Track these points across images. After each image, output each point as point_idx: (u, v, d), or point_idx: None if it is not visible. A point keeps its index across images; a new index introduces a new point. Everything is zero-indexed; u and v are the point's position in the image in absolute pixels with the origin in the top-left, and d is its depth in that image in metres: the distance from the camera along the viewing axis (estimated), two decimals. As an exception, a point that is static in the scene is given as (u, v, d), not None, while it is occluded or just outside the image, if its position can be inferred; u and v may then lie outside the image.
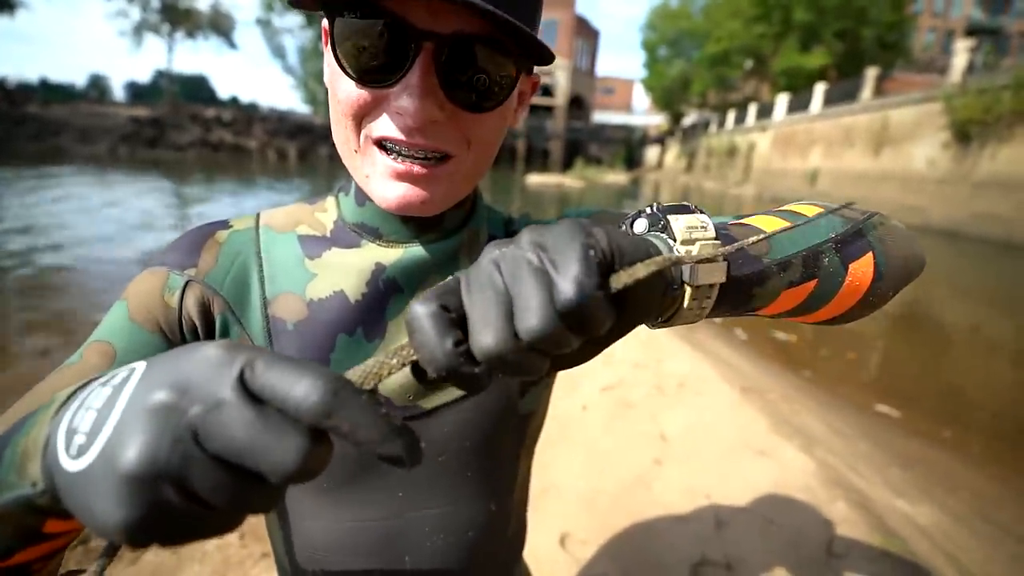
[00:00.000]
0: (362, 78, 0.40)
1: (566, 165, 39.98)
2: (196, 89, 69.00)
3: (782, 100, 27.37)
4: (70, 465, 0.21)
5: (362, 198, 0.50)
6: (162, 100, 40.86)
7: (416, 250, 0.50)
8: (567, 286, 0.23)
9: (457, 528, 0.55)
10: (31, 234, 7.30)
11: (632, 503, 2.06)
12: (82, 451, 0.21)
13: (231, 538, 1.79)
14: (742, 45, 34.31)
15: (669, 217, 0.34)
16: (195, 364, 0.21)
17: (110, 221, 8.79)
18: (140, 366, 0.23)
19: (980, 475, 2.79)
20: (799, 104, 25.80)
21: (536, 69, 0.49)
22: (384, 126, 0.41)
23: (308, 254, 0.50)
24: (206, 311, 0.48)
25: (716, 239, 0.33)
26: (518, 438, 0.59)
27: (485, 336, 0.23)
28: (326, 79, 0.45)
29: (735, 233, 0.37)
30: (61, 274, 5.57)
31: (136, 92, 67.18)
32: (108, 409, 0.21)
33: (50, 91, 45.79)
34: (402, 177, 0.42)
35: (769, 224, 0.40)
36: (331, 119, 0.45)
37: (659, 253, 0.29)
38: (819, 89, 24.24)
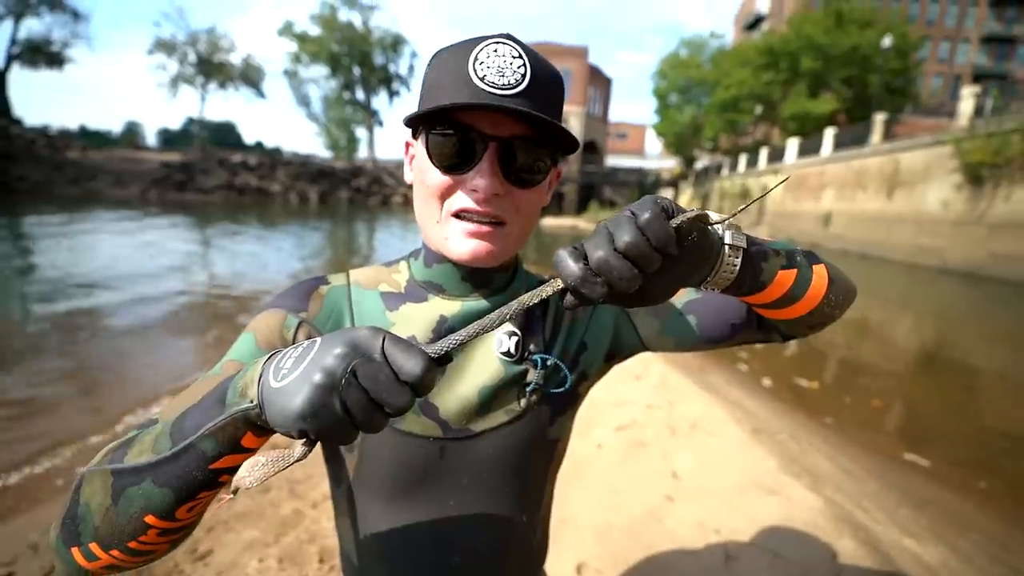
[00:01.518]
0: (445, 168, 0.58)
1: (580, 208, 40.58)
2: (224, 135, 71.80)
3: (793, 144, 27.71)
4: (275, 384, 0.37)
5: (431, 261, 0.66)
6: (192, 146, 42.64)
7: (471, 304, 0.67)
8: (645, 214, 0.39)
9: (495, 532, 0.69)
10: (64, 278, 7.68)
11: (645, 536, 2.16)
12: (284, 377, 0.36)
13: (271, 562, 1.94)
14: (751, 92, 34.96)
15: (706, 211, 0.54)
16: (358, 335, 0.37)
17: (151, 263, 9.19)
18: (319, 339, 0.38)
19: (994, 518, 2.82)
20: (810, 148, 26.09)
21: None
22: (461, 200, 0.59)
23: (388, 307, 0.67)
24: None
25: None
26: (546, 460, 0.73)
27: (596, 252, 0.39)
28: (413, 174, 0.64)
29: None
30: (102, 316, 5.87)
31: (168, 138, 70.09)
32: (304, 357, 0.37)
33: (88, 137, 48.04)
34: (473, 235, 0.60)
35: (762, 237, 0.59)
36: (417, 200, 0.64)
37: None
38: (829, 133, 24.55)
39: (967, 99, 16.60)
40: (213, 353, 4.80)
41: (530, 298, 0.40)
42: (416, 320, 0.65)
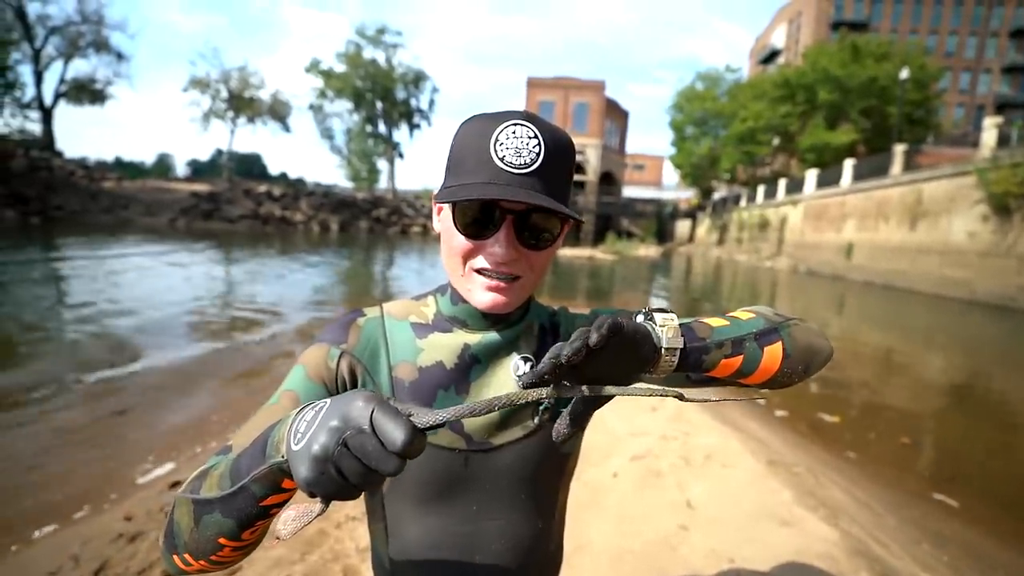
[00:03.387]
0: (467, 234, 0.68)
1: (597, 239, 40.74)
2: (250, 166, 74.10)
3: (811, 175, 27.61)
4: (294, 447, 0.42)
5: (456, 299, 0.73)
6: (220, 176, 44.09)
7: (490, 335, 0.74)
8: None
9: (513, 536, 0.77)
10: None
11: (658, 563, 2.19)
12: (299, 440, 0.42)
13: (297, 580, 2.02)
14: (768, 124, 35.03)
15: (654, 314, 0.60)
16: (351, 409, 0.41)
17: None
18: (327, 402, 0.44)
19: (1017, 556, 2.77)
20: (829, 179, 25.95)
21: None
22: (482, 262, 0.69)
23: (418, 336, 0.74)
24: (352, 373, 0.74)
25: (679, 326, 0.59)
26: (559, 472, 0.81)
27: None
28: (441, 231, 0.73)
29: (693, 326, 0.64)
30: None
31: (196, 168, 72.54)
32: (312, 422, 0.42)
33: (123, 168, 50.10)
34: (491, 289, 0.69)
35: (716, 323, 0.67)
36: (444, 255, 0.74)
37: (648, 332, 0.56)
38: (848, 164, 24.46)
39: (990, 129, 16.53)
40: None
41: (517, 397, 0.46)
42: (442, 347, 0.74)
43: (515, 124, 0.63)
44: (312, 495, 0.42)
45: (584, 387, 0.49)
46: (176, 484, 2.84)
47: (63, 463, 3.16)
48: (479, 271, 0.68)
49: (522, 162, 0.62)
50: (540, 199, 0.61)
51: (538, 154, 0.63)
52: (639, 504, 2.70)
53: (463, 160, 0.66)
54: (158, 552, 2.19)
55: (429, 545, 0.74)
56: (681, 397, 0.50)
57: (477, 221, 0.66)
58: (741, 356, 0.63)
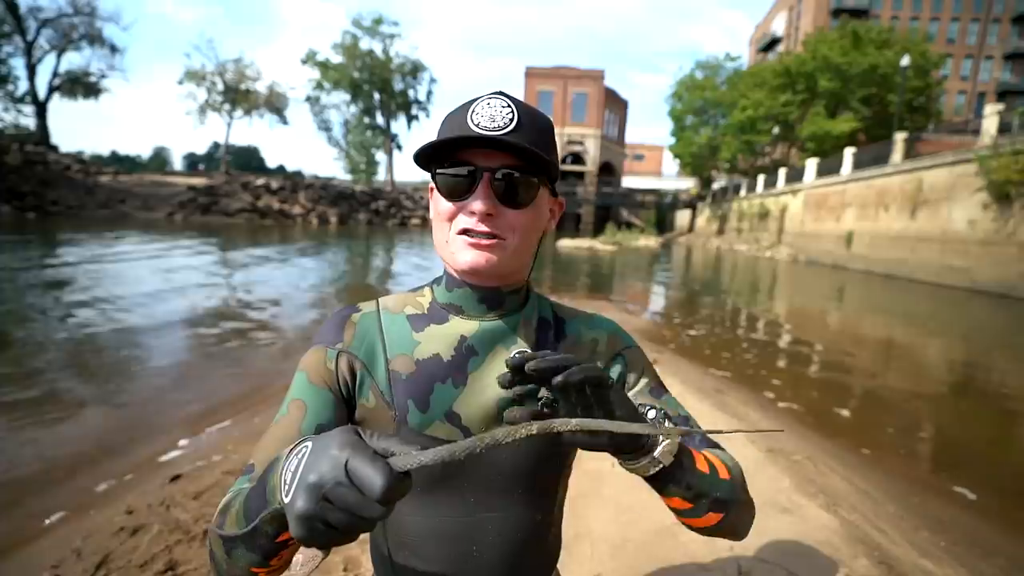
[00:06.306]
0: (450, 197, 0.70)
1: (597, 229, 40.67)
2: (248, 158, 73.90)
3: (811, 164, 27.53)
4: (284, 499, 0.43)
5: (451, 285, 0.74)
6: (217, 169, 43.95)
7: (487, 324, 0.74)
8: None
9: (511, 529, 0.77)
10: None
11: (659, 551, 2.20)
12: (287, 492, 0.43)
13: None
14: (768, 113, 34.86)
15: (666, 420, 0.63)
16: (326, 459, 0.42)
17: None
18: (308, 447, 0.44)
19: (1020, 544, 2.78)
20: (829, 168, 25.89)
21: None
22: (464, 221, 0.70)
23: (414, 328, 0.74)
24: (351, 370, 0.74)
25: (677, 445, 0.60)
26: (557, 468, 0.81)
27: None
28: (431, 207, 0.75)
29: (683, 454, 0.62)
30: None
31: (193, 162, 72.36)
32: (296, 474, 0.43)
33: (119, 162, 50.00)
34: (473, 246, 0.70)
35: (700, 463, 0.65)
36: (433, 229, 0.75)
37: (652, 432, 0.50)
38: (848, 153, 24.38)
39: (991, 116, 16.44)
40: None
41: (503, 435, 0.45)
42: (439, 339, 0.74)
43: (490, 98, 0.68)
44: (306, 545, 0.43)
45: (574, 421, 0.48)
46: (176, 478, 2.84)
47: (64, 455, 3.17)
48: (462, 232, 0.70)
49: (496, 125, 0.65)
50: (511, 146, 0.64)
51: (511, 119, 0.66)
52: (639, 493, 2.70)
53: (443, 135, 0.69)
54: (159, 546, 2.20)
55: (426, 535, 0.74)
56: (686, 435, 0.49)
57: (457, 184, 0.68)
58: (690, 506, 0.65)
